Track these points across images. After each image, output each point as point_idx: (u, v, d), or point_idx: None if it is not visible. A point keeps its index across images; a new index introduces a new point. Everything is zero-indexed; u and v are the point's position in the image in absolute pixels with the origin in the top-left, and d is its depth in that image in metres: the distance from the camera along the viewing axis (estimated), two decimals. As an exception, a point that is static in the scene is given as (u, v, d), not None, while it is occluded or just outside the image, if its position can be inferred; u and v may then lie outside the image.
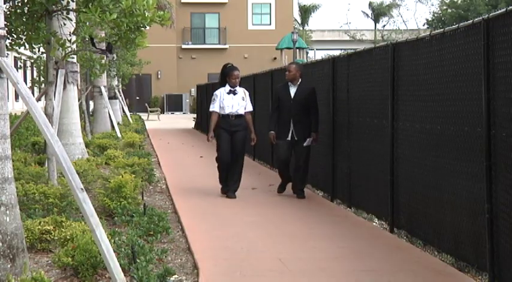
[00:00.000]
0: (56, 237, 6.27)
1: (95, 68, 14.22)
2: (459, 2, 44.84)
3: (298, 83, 9.74)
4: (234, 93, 9.94)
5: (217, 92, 10.07)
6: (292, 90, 9.71)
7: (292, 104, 9.64)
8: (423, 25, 48.35)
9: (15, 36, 9.43)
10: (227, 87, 9.99)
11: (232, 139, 9.82)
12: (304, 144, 9.62)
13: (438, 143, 6.35)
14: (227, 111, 9.86)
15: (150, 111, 40.05)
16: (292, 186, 9.94)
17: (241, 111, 9.92)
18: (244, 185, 10.21)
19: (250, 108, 10.03)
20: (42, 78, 21.88)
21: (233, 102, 9.87)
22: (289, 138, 9.66)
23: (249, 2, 47.86)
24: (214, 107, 9.97)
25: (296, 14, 59.37)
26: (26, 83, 25.65)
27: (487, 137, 5.38)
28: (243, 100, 9.94)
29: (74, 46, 10.29)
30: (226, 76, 10.02)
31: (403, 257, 6.36)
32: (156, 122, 35.11)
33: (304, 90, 9.70)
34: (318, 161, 10.12)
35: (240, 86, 10.08)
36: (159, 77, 47.25)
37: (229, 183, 9.91)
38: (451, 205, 6.07)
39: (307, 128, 9.69)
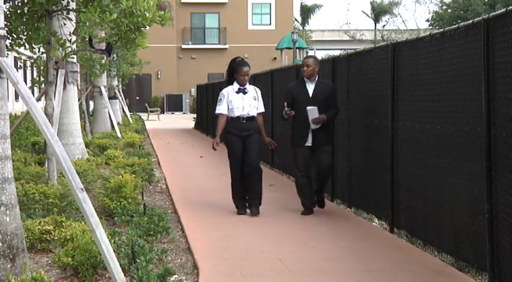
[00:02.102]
0: (56, 237, 6.27)
1: (95, 68, 14.22)
2: (459, 1, 44.85)
3: (316, 79, 8.47)
4: (244, 92, 8.55)
5: (224, 91, 8.63)
6: (310, 88, 8.41)
7: (311, 103, 8.33)
8: (426, 21, 48.33)
9: (15, 36, 9.43)
10: (235, 86, 8.57)
11: (245, 145, 8.50)
12: (308, 107, 8.24)
13: (438, 143, 6.35)
14: (237, 113, 8.49)
15: (150, 111, 40.06)
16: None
17: (254, 113, 8.55)
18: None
19: (262, 109, 8.68)
20: (42, 78, 21.89)
21: (243, 103, 8.50)
22: (309, 143, 8.37)
23: (249, 2, 47.88)
24: (220, 109, 8.58)
25: (297, 14, 59.41)
26: (26, 83, 25.65)
27: (487, 137, 5.38)
28: (255, 100, 8.56)
29: (74, 46, 10.29)
30: (234, 72, 8.59)
31: (403, 257, 6.36)
32: (156, 122, 35.12)
33: (323, 87, 8.47)
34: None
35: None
36: (159, 77, 47.27)
37: (249, 197, 8.53)
38: (451, 205, 6.07)
39: (328, 131, 8.56)
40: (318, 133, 8.37)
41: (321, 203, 8.77)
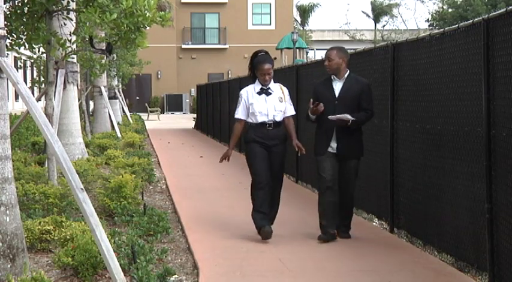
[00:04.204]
0: (56, 237, 6.27)
1: (95, 68, 14.23)
2: (459, 1, 44.92)
3: (346, 75, 7.02)
4: (268, 93, 7.11)
5: (243, 92, 7.22)
6: (337, 87, 6.97)
7: (337, 105, 6.91)
8: (426, 21, 48.37)
9: (15, 36, 9.44)
10: (257, 85, 7.15)
11: (270, 157, 7.08)
12: (331, 117, 6.82)
13: (438, 143, 6.35)
14: (260, 119, 7.06)
15: (150, 111, 40.08)
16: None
17: (280, 118, 7.11)
18: (246, 184, 10.19)
19: (292, 111, 7.23)
20: (42, 78, 21.90)
21: (267, 105, 7.06)
22: (333, 150, 6.95)
23: (249, 2, 47.90)
24: (238, 113, 7.16)
25: (296, 14, 59.45)
26: (26, 83, 25.65)
27: (487, 137, 5.38)
28: (281, 102, 7.12)
29: (74, 46, 10.29)
30: (255, 69, 7.18)
31: (403, 257, 6.36)
32: (156, 122, 35.13)
33: (354, 85, 6.97)
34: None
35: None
36: (159, 77, 47.28)
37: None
38: (451, 205, 6.07)
39: (358, 140, 7.05)
40: (344, 141, 6.93)
41: (345, 231, 7.14)
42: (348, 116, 6.83)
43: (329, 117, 6.87)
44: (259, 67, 7.07)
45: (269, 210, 7.12)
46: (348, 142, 6.95)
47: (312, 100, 7.02)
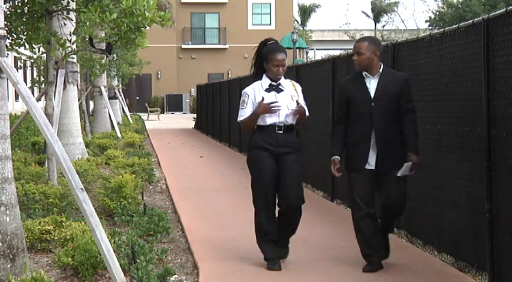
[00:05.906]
0: (56, 237, 6.27)
1: (95, 68, 14.23)
2: (457, 2, 44.97)
3: (380, 71, 5.79)
4: (278, 89, 5.92)
5: (248, 90, 5.98)
6: (372, 85, 5.76)
7: (374, 107, 5.70)
8: (425, 22, 48.43)
9: (15, 36, 9.45)
10: (265, 81, 5.94)
11: (280, 167, 5.86)
12: (399, 173, 5.70)
13: (438, 143, 6.35)
14: (269, 120, 5.84)
15: (150, 111, 40.09)
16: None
17: (293, 120, 5.89)
18: (245, 184, 10.18)
19: (305, 112, 5.99)
20: (42, 78, 21.91)
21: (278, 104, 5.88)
22: (371, 166, 5.75)
23: (249, 2, 47.93)
24: (245, 114, 5.90)
25: (296, 14, 59.48)
26: (26, 83, 25.65)
27: (487, 137, 5.38)
28: (293, 100, 5.91)
29: (74, 46, 10.29)
30: (264, 61, 5.93)
31: (403, 257, 6.36)
32: (156, 122, 35.14)
33: (391, 82, 5.76)
34: (318, 161, 10.11)
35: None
36: (159, 77, 47.30)
37: (278, 242, 6.05)
38: (451, 205, 6.07)
39: (400, 149, 5.79)
40: (385, 152, 5.73)
41: (384, 250, 6.05)
42: (412, 160, 5.76)
43: (403, 173, 5.76)
44: (270, 57, 5.85)
45: (280, 236, 6.06)
46: (391, 152, 5.74)
47: (339, 108, 5.93)
